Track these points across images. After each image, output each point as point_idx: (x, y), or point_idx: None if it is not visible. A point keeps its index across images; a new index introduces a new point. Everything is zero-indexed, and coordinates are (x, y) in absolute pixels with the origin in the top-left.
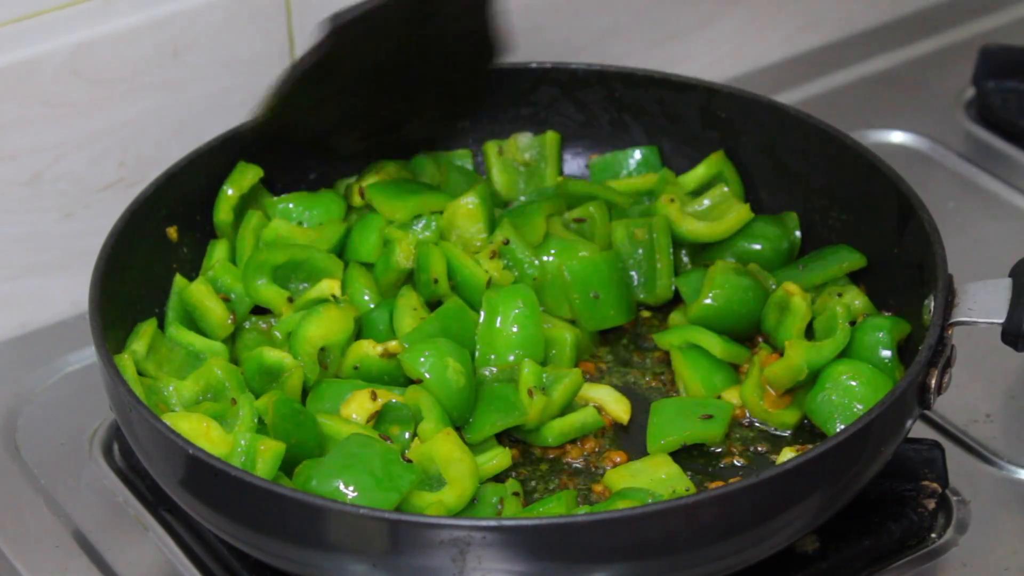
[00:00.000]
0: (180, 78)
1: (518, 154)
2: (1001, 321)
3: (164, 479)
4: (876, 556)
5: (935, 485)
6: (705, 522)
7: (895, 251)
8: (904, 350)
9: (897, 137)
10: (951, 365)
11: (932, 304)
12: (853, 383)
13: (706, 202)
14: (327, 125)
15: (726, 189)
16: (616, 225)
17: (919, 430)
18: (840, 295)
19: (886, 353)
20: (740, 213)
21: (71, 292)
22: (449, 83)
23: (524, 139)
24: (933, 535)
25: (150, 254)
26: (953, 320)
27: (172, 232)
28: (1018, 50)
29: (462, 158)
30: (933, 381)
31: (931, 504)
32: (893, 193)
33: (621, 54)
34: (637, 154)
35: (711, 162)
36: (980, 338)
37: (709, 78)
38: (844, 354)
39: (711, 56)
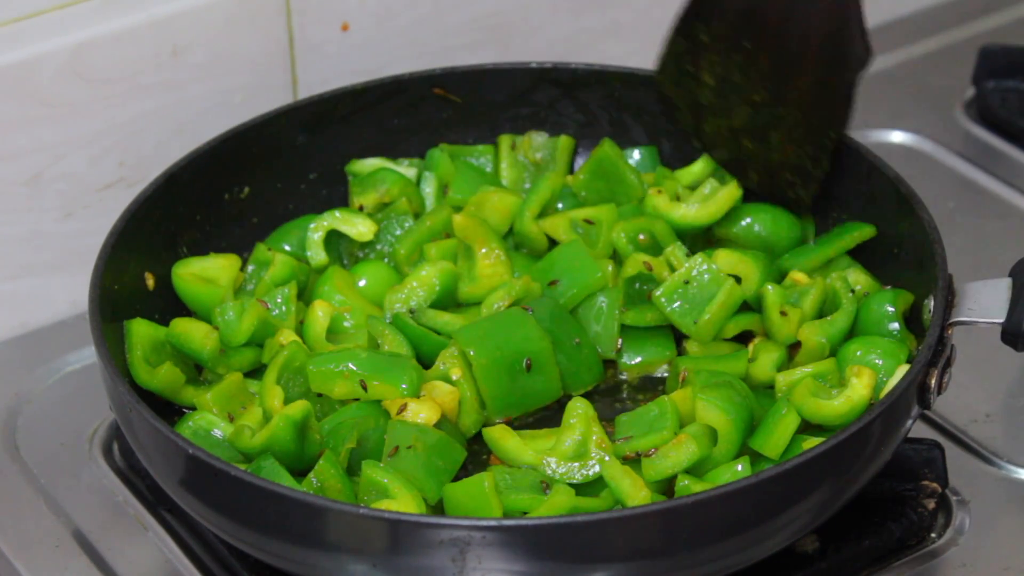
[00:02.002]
0: (180, 78)
1: (530, 152)
2: (1001, 321)
3: (164, 479)
4: (876, 556)
5: (935, 485)
6: (705, 522)
7: (895, 251)
8: (911, 322)
9: (897, 137)
10: (951, 365)
11: (932, 304)
12: (872, 358)
13: (700, 196)
14: (705, 102)
15: (716, 182)
16: (616, 230)
17: (919, 430)
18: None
19: (894, 325)
20: (730, 191)
21: (71, 292)
22: (811, 82)
23: (539, 138)
24: (933, 535)
25: (150, 254)
26: (953, 320)
27: (149, 278)
28: (1018, 50)
29: (484, 154)
30: (933, 381)
31: (931, 504)
32: (893, 193)
33: (621, 54)
34: (636, 154)
35: (708, 158)
36: (980, 338)
37: None
38: (853, 333)
39: None
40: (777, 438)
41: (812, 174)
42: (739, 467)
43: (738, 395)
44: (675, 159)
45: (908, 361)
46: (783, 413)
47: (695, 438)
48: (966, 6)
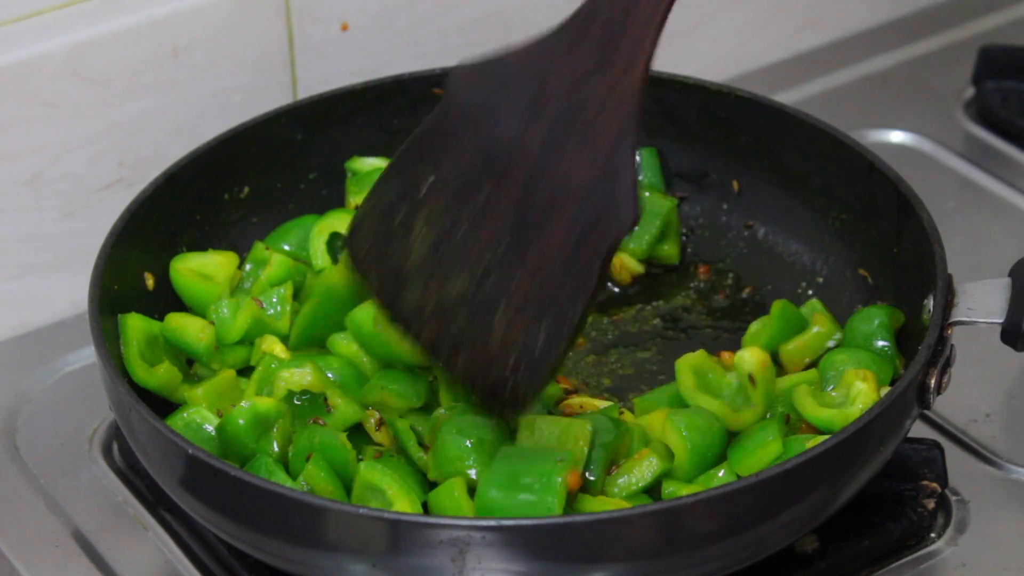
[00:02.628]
0: (180, 78)
1: None
2: (1000, 321)
3: (163, 479)
4: (875, 556)
5: (934, 485)
6: (704, 522)
7: (895, 251)
8: (903, 344)
9: (897, 137)
10: (951, 365)
11: (931, 304)
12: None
13: None
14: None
15: None
16: None
17: (919, 430)
18: None
19: (882, 343)
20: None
21: (71, 292)
22: (560, 243)
23: None
24: (932, 535)
25: (150, 254)
26: (953, 320)
27: (149, 278)
28: (1018, 50)
29: None
30: (933, 381)
31: (930, 504)
32: (893, 193)
33: None
34: (636, 156)
35: None
36: (980, 338)
37: (709, 78)
38: (840, 344)
39: (711, 56)
40: (755, 461)
41: (539, 364)
42: (721, 473)
43: (709, 427)
44: (675, 159)
45: (892, 382)
46: (769, 440)
47: (657, 454)
48: (966, 6)
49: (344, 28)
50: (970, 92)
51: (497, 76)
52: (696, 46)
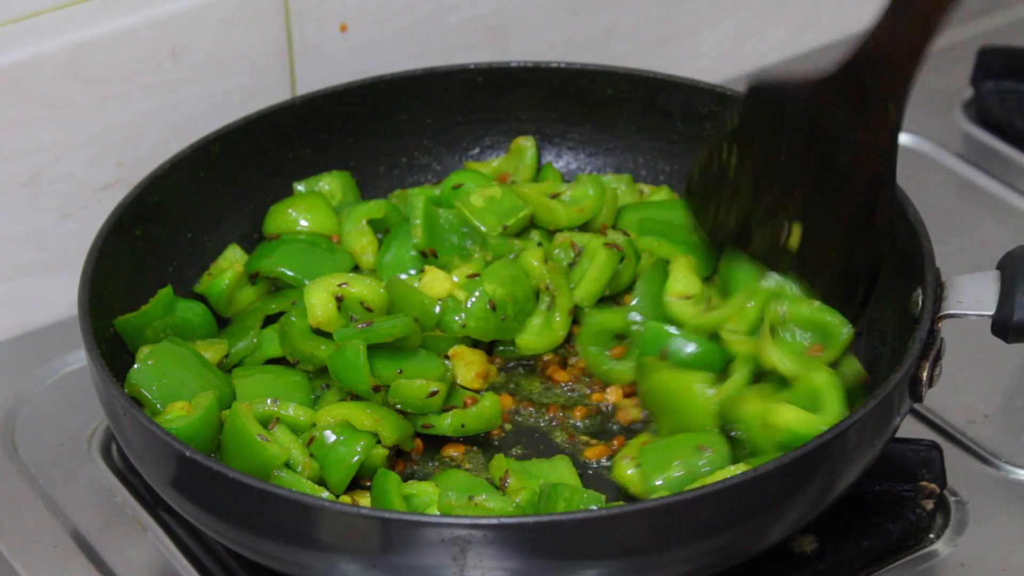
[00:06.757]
0: (179, 78)
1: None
2: (990, 313)
3: (155, 480)
4: (874, 557)
5: (933, 486)
6: (702, 517)
7: None
8: (894, 339)
9: None
10: (941, 357)
11: (920, 297)
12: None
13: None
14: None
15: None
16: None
17: (917, 430)
18: None
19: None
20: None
21: (70, 292)
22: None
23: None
24: (931, 536)
25: (142, 254)
26: (943, 313)
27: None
28: (1017, 51)
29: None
30: (924, 374)
31: (929, 505)
32: None
33: (621, 54)
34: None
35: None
36: (977, 337)
37: (709, 78)
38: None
39: (711, 56)
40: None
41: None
42: (630, 468)
43: None
44: (676, 160)
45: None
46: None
47: None
48: (965, 6)
49: (343, 28)
50: (969, 93)
51: (780, 100)
52: (696, 46)
